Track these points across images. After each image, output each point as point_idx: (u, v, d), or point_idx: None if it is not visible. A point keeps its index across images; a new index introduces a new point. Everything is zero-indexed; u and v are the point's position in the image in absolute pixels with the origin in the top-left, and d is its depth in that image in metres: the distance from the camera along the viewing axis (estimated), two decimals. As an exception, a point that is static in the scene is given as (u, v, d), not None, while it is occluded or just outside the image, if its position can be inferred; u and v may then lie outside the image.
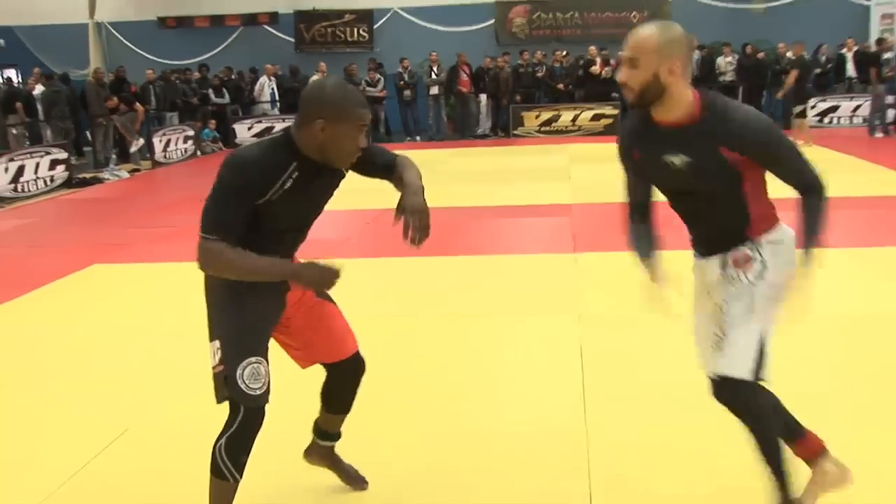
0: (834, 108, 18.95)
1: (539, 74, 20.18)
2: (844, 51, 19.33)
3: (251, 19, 22.66)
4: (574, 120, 19.66)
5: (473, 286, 6.98)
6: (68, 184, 14.80)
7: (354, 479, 3.60)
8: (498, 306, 6.40)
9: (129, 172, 16.47)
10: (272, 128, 19.89)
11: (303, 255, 3.20)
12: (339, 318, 3.29)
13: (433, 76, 20.12)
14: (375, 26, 22.50)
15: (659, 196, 3.11)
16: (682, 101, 2.75)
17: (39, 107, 17.83)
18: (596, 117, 19.58)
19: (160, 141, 17.66)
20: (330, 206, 3.14)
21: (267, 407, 2.99)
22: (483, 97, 20.43)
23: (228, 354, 2.93)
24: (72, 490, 3.79)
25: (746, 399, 2.86)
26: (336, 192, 3.13)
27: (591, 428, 4.16)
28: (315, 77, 20.09)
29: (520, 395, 4.68)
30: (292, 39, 22.64)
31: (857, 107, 18.72)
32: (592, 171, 13.80)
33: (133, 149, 17.19)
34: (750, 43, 19.37)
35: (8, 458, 4.17)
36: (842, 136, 16.05)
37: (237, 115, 20.54)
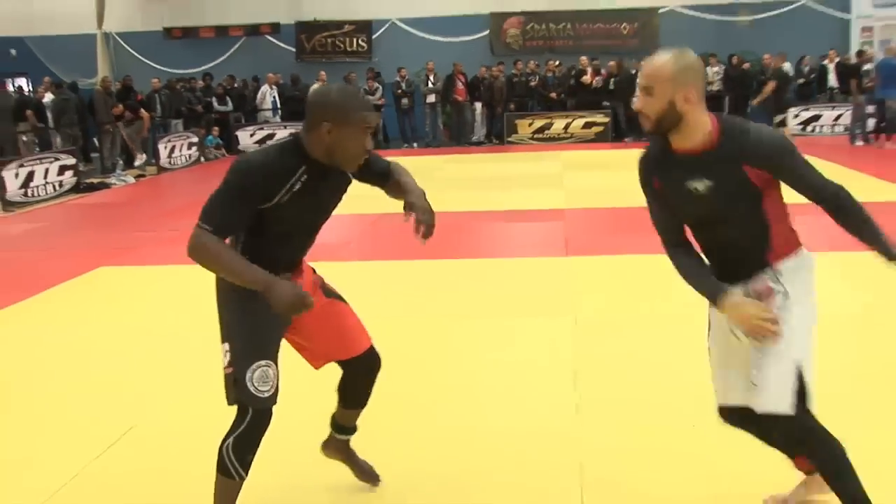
0: (816, 118, 18.99)
1: (532, 84, 20.17)
2: (826, 62, 19.35)
3: (254, 30, 22.64)
4: (566, 128, 19.65)
5: (469, 289, 6.96)
6: (76, 189, 14.76)
7: (368, 475, 3.57)
8: (492, 308, 6.38)
9: (134, 178, 16.44)
10: (274, 135, 19.85)
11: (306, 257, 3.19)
12: (350, 316, 3.27)
13: (430, 85, 20.11)
14: (374, 37, 22.49)
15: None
16: (699, 127, 2.70)
17: (49, 114, 17.80)
18: (587, 125, 19.58)
19: (165, 147, 17.62)
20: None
21: (273, 407, 2.98)
22: (478, 105, 20.41)
23: (238, 357, 2.92)
24: (76, 488, 3.76)
25: (795, 432, 2.76)
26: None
27: (584, 430, 4.13)
28: (316, 85, 20.11)
29: (513, 396, 4.64)
30: (293, 49, 22.63)
31: (839, 116, 18.75)
32: (584, 177, 13.82)
33: (138, 162, 17.13)
34: (736, 54, 19.40)
35: (14, 456, 4.14)
36: (824, 145, 16.06)
37: (240, 123, 20.51)
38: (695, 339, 5.19)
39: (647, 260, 7.58)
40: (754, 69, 19.06)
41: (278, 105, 20.77)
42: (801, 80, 19.59)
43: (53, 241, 10.31)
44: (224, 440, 2.95)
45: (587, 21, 21.80)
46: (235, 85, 21.25)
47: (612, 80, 19.59)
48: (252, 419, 2.92)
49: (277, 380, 2.96)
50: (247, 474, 2.96)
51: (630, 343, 5.41)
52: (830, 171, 2.78)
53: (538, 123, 19.85)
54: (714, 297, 2.81)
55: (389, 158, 3.32)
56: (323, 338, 3.20)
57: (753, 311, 2.71)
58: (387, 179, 3.21)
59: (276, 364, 2.98)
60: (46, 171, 14.10)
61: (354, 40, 22.66)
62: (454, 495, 3.55)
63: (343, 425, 3.47)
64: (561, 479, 3.64)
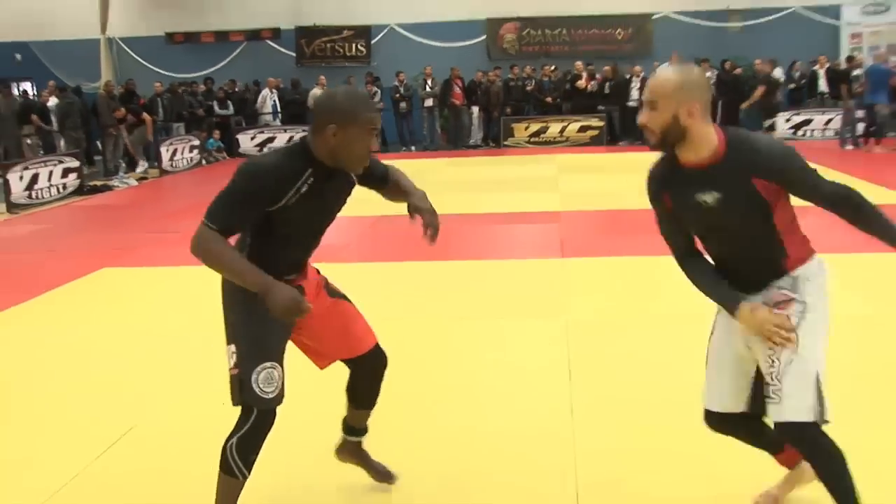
0: (807, 122, 18.99)
1: (528, 88, 20.16)
2: (817, 67, 19.36)
3: (254, 35, 22.62)
4: (562, 131, 19.64)
5: (466, 290, 6.95)
6: (80, 191, 14.75)
7: (383, 475, 3.54)
8: (489, 310, 6.37)
9: (137, 180, 16.43)
10: (274, 138, 19.94)
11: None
12: (354, 315, 3.26)
13: (427, 89, 20.09)
14: (373, 42, 22.48)
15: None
16: (704, 141, 2.68)
17: (53, 118, 17.79)
18: (582, 129, 19.57)
19: (167, 150, 17.60)
20: (333, 213, 3.11)
21: (277, 408, 2.98)
22: (475, 109, 20.41)
23: (244, 359, 2.91)
24: (77, 488, 3.74)
25: (812, 440, 2.72)
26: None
27: (579, 430, 4.10)
28: (315, 89, 20.14)
29: (508, 397, 4.62)
30: (293, 54, 22.61)
31: (829, 120, 18.76)
32: (579, 180, 13.82)
33: (139, 169, 17.07)
34: (728, 59, 19.41)
35: (15, 456, 4.12)
36: (815, 148, 16.03)
37: (240, 126, 20.48)
38: (689, 339, 5.17)
39: (642, 262, 7.59)
40: (746, 74, 19.08)
41: (278, 109, 20.76)
42: (793, 85, 19.61)
43: (57, 242, 10.29)
44: (228, 440, 2.94)
45: (582, 27, 21.81)
46: (236, 89, 21.23)
47: (607, 84, 19.62)
48: (256, 419, 2.91)
49: (283, 381, 2.96)
50: (249, 473, 2.96)
51: (625, 344, 5.39)
52: (821, 173, 2.76)
53: (534, 127, 19.84)
54: (729, 306, 2.80)
55: (387, 162, 3.32)
56: (328, 337, 3.18)
57: (768, 318, 2.70)
58: (385, 183, 3.24)
59: (282, 365, 2.97)
60: (50, 173, 14.08)
61: (353, 45, 22.66)
62: (449, 496, 3.52)
63: (354, 427, 3.45)
64: (556, 479, 3.61)
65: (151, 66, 21.98)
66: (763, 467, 3.25)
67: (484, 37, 22.11)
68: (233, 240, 2.85)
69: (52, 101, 18.19)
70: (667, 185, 2.82)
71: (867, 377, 4.60)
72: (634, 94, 19.33)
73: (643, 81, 19.13)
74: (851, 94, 16.97)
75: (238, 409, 2.96)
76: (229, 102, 20.59)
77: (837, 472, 2.73)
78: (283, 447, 3.57)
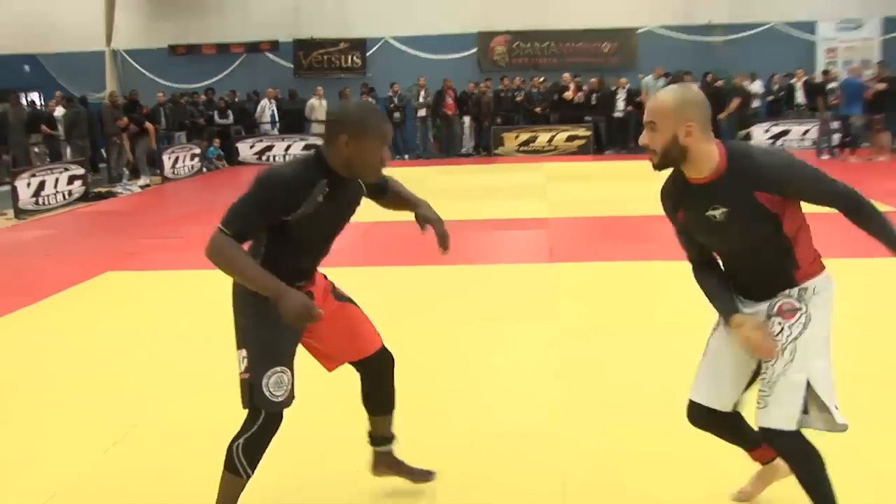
0: (785, 132, 19.05)
1: (518, 99, 20.17)
2: (794, 80, 19.42)
3: (254, 47, 22.59)
4: (550, 141, 19.66)
5: (456, 294, 6.92)
6: (85, 197, 14.69)
7: (422, 476, 3.47)
8: (479, 314, 6.34)
9: (140, 187, 16.38)
10: (272, 146, 19.99)
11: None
12: (361, 318, 3.25)
13: (421, 100, 20.09)
14: (368, 54, 22.46)
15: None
16: (706, 158, 2.67)
17: (60, 127, 17.76)
18: (570, 138, 19.59)
19: (169, 158, 17.55)
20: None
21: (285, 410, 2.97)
22: (467, 119, 20.41)
23: (254, 363, 2.90)
24: (77, 488, 3.71)
25: (790, 447, 2.74)
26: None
27: (568, 433, 4.06)
28: (312, 100, 20.15)
29: (498, 400, 4.57)
30: (291, 65, 22.59)
31: (806, 131, 18.83)
32: (567, 188, 13.83)
33: (141, 182, 16.93)
34: (710, 72, 19.45)
35: (15, 456, 4.08)
36: (793, 157, 16.14)
37: (240, 135, 20.45)
38: (677, 342, 5.19)
39: (628, 266, 7.61)
40: (727, 87, 19.14)
41: (277, 118, 20.73)
42: (771, 97, 19.68)
43: (63, 247, 10.25)
44: (234, 440, 2.93)
45: (570, 40, 21.82)
46: (236, 99, 21.21)
47: (594, 95, 19.66)
48: (264, 421, 2.91)
49: (292, 385, 2.95)
50: (253, 473, 2.94)
51: (613, 347, 5.37)
52: (824, 174, 2.73)
53: (524, 136, 19.85)
54: (724, 316, 2.84)
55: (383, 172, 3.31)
56: (335, 340, 3.17)
57: (751, 336, 2.73)
58: (384, 192, 3.25)
59: (292, 370, 2.96)
60: (57, 180, 14.03)
61: (349, 57, 22.64)
62: (441, 496, 3.47)
63: (380, 436, 3.40)
64: (546, 481, 3.58)
65: (154, 77, 21.94)
66: (750, 470, 3.24)
67: (475, 49, 22.12)
68: (245, 246, 2.84)
69: (59, 111, 18.18)
70: (678, 200, 2.82)
71: (867, 378, 4.56)
72: (620, 105, 19.41)
73: (629, 93, 19.27)
74: (827, 106, 17.04)
75: (242, 411, 2.94)
76: (229, 112, 20.56)
77: (816, 478, 2.74)
78: (283, 447, 3.55)
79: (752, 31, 20.75)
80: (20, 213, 12.96)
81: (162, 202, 14.84)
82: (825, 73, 18.91)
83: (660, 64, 19.36)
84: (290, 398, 2.95)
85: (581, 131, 19.57)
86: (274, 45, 22.53)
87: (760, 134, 18.56)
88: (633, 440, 3.93)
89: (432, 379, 4.94)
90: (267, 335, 2.90)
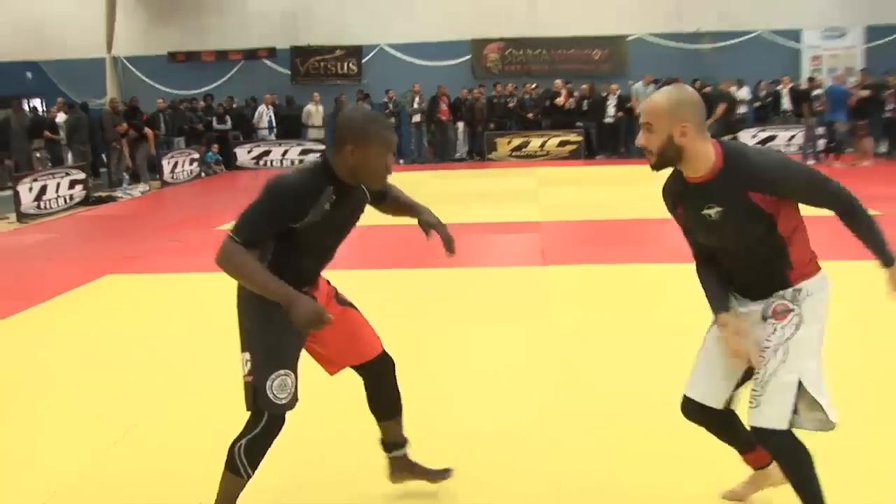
0: (772, 138, 19.07)
1: (511, 105, 20.19)
2: (780, 87, 19.48)
3: (251, 54, 22.58)
4: (542, 146, 19.69)
5: (450, 297, 6.90)
6: (86, 202, 14.67)
7: (439, 475, 3.42)
8: (472, 316, 6.31)
9: (140, 192, 16.34)
10: (269, 152, 20.06)
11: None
12: (362, 323, 3.24)
13: (415, 106, 20.11)
14: (363, 61, 22.46)
15: None
16: (702, 158, 2.66)
17: (61, 132, 17.73)
18: (562, 143, 19.62)
19: (168, 163, 17.53)
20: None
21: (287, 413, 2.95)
22: (460, 125, 20.44)
23: (258, 366, 2.89)
24: (77, 488, 3.69)
25: (781, 446, 2.74)
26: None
27: (560, 434, 4.03)
28: (309, 106, 20.14)
29: (491, 401, 4.54)
30: (288, 72, 22.57)
31: (792, 136, 18.87)
32: (559, 192, 13.84)
33: (140, 189, 16.86)
34: (698, 79, 19.47)
35: (15, 456, 4.05)
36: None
37: (238, 140, 20.44)
38: (668, 344, 5.18)
39: (620, 269, 7.60)
40: (714, 93, 19.17)
41: (274, 124, 20.75)
42: (758, 104, 19.71)
43: (64, 250, 10.22)
44: (236, 441, 2.91)
45: (562, 47, 21.84)
46: (234, 105, 21.20)
47: (585, 101, 19.69)
48: (266, 423, 2.90)
49: (296, 388, 2.94)
50: (254, 473, 2.93)
51: (605, 348, 5.35)
52: (822, 175, 2.71)
53: (516, 142, 19.87)
54: (714, 314, 2.86)
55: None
56: (338, 344, 3.15)
57: (731, 339, 2.75)
58: (384, 198, 3.26)
59: (296, 373, 2.95)
60: (58, 185, 14.00)
61: (345, 64, 22.63)
62: (430, 498, 3.44)
63: (392, 441, 3.37)
64: (538, 484, 3.55)
65: (154, 84, 21.92)
66: (744, 473, 3.22)
67: (469, 56, 22.13)
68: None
69: (61, 117, 18.15)
70: (678, 199, 2.82)
71: (866, 378, 4.55)
72: (610, 110, 19.44)
73: (619, 99, 19.30)
74: (812, 113, 17.09)
75: (241, 411, 2.93)
76: (227, 118, 20.55)
77: (805, 477, 2.73)
78: (283, 448, 3.54)
79: (739, 39, 20.80)
80: (22, 217, 12.92)
81: (161, 206, 14.81)
82: (810, 79, 18.95)
83: (649, 71, 19.40)
84: (294, 401, 2.94)
85: (572, 136, 19.60)
86: (271, 53, 22.52)
87: (748, 139, 18.53)
88: (626, 441, 3.91)
89: (425, 381, 4.88)
90: (271, 338, 2.89)
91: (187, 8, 22.54)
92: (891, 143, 17.73)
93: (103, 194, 15.59)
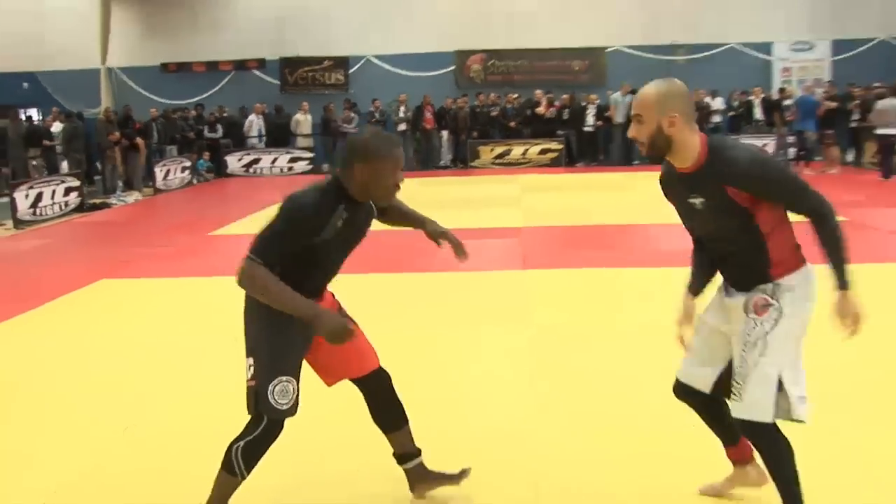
0: (744, 146, 19.21)
1: (493, 114, 20.22)
2: (752, 98, 19.60)
3: (242, 65, 22.53)
4: (524, 153, 19.73)
5: (433, 300, 6.90)
6: (80, 208, 14.59)
7: (459, 477, 3.36)
8: (455, 319, 6.30)
9: (133, 199, 16.27)
10: (259, 159, 20.08)
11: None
12: (361, 337, 3.23)
13: (401, 115, 20.11)
14: (351, 71, 22.44)
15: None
16: (689, 149, 2.69)
17: (57, 141, 17.65)
18: (543, 151, 19.67)
19: (161, 170, 17.46)
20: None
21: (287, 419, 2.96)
22: (445, 133, 20.45)
23: (261, 371, 2.89)
24: (76, 488, 3.67)
25: (765, 438, 2.75)
26: None
27: (540, 435, 4.01)
28: (298, 114, 20.14)
29: (472, 402, 4.52)
30: (278, 82, 22.53)
31: (764, 145, 18.85)
32: (540, 198, 13.87)
33: (132, 198, 16.73)
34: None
35: (15, 456, 4.04)
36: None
37: (229, 148, 20.38)
38: (647, 346, 5.21)
39: (599, 273, 7.63)
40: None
41: (264, 132, 20.71)
42: (732, 113, 19.83)
43: (60, 255, 10.16)
44: (235, 442, 2.92)
45: (542, 59, 21.89)
46: (225, 114, 21.13)
47: (565, 111, 19.75)
48: (266, 427, 2.91)
49: (297, 395, 2.94)
50: (249, 474, 2.95)
51: (585, 351, 5.34)
52: (804, 183, 2.69)
53: (499, 150, 19.91)
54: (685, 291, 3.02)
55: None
56: (337, 356, 3.14)
57: (683, 331, 2.92)
58: (385, 211, 3.30)
59: (298, 380, 2.96)
60: (54, 192, 13.93)
61: (333, 74, 22.60)
62: (427, 498, 3.38)
63: (404, 452, 3.33)
64: (517, 484, 3.50)
65: (147, 94, 21.84)
66: (725, 472, 3.24)
67: (453, 67, 22.15)
68: None
69: (56, 126, 18.08)
70: (670, 185, 2.86)
71: (865, 379, 4.53)
72: (590, 119, 19.53)
73: (598, 108, 19.39)
74: (783, 122, 17.24)
75: (237, 412, 2.94)
76: (218, 126, 20.50)
77: (784, 467, 2.76)
78: (283, 447, 3.55)
79: (712, 52, 20.93)
80: (19, 223, 12.85)
81: (154, 213, 14.75)
82: (781, 90, 19.11)
83: (627, 81, 19.46)
84: (294, 407, 2.94)
85: (553, 145, 19.66)
86: (261, 63, 22.48)
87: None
88: (605, 442, 3.89)
89: (407, 383, 4.81)
90: (276, 345, 2.90)
91: (179, 20, 22.48)
92: (857, 151, 17.90)
93: (98, 201, 15.51)
